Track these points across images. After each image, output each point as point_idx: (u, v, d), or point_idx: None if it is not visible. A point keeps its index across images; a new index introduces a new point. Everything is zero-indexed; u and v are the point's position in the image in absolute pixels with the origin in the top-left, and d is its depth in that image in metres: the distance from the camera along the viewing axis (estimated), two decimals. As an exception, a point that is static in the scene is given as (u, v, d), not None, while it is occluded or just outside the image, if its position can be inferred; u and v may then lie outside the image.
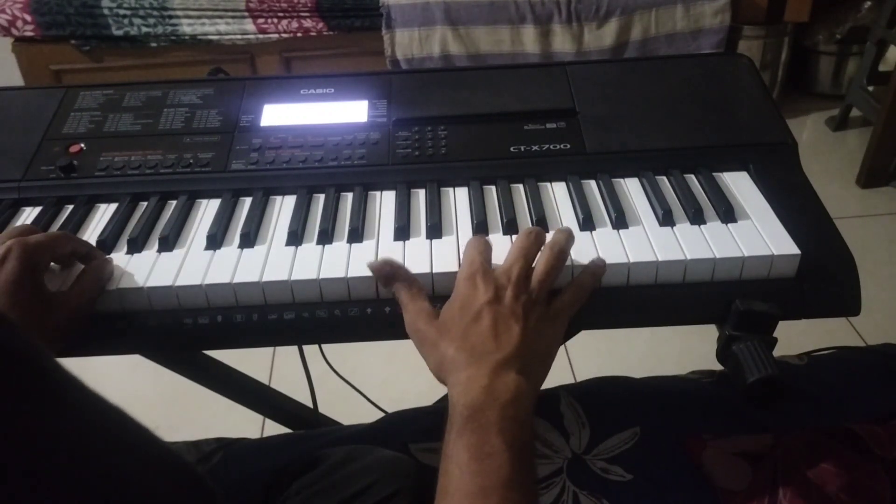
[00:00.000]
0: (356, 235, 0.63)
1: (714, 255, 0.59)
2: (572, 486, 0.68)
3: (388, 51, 2.22)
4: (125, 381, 1.54)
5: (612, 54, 2.24)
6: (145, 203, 0.68)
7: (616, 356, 1.60)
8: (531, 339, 0.53)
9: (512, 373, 0.50)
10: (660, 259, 0.59)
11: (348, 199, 0.68)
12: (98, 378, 0.29)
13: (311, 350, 0.91)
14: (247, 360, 1.08)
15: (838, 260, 0.61)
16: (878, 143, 2.08)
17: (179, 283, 0.59)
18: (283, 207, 0.67)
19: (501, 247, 0.61)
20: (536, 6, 2.18)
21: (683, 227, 0.63)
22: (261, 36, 2.21)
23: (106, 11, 2.15)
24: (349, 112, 0.74)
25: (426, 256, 0.61)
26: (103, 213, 0.68)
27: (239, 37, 2.21)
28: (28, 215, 0.68)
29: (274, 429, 1.04)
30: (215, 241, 0.63)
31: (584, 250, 0.60)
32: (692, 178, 0.69)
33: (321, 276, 0.59)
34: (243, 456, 0.78)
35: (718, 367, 0.60)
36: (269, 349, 1.61)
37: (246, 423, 1.40)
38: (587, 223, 0.63)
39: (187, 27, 2.18)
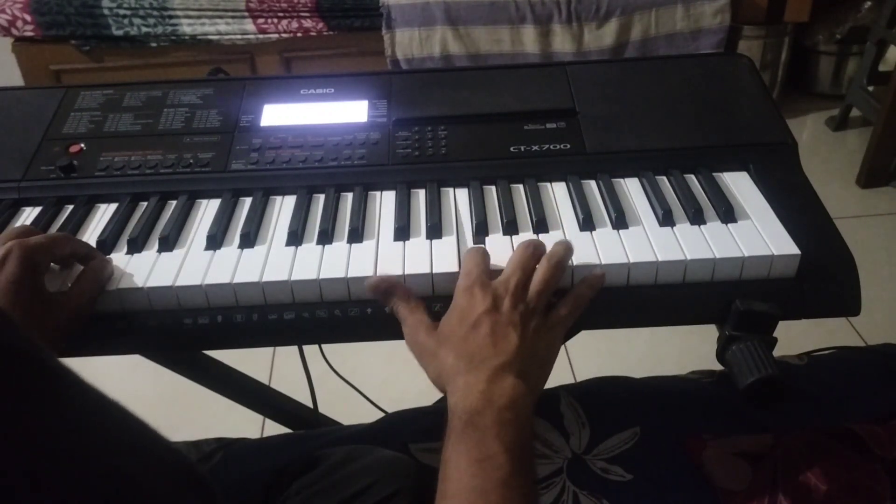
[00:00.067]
0: (356, 235, 0.63)
1: (714, 256, 0.59)
2: (572, 486, 0.68)
3: (389, 51, 2.22)
4: (125, 381, 1.54)
5: (612, 54, 2.24)
6: (145, 203, 0.68)
7: (616, 356, 1.60)
8: (529, 345, 0.53)
9: (510, 377, 0.51)
10: (660, 259, 0.59)
11: (348, 199, 0.68)
12: (98, 378, 0.29)
13: (311, 350, 0.91)
14: (247, 360, 1.08)
15: (838, 260, 0.61)
16: (878, 143, 2.08)
17: (179, 283, 0.59)
18: (283, 207, 0.67)
19: (501, 247, 0.61)
20: (536, 6, 2.18)
21: (683, 228, 0.63)
22: (261, 36, 2.21)
23: (106, 11, 2.15)
24: (349, 112, 0.74)
25: (426, 256, 0.61)
26: (103, 214, 0.68)
27: (239, 37, 2.21)
28: (28, 215, 0.68)
29: (274, 429, 1.04)
30: (215, 241, 0.63)
31: (584, 251, 0.60)
32: (692, 178, 0.69)
33: (321, 277, 0.59)
34: (243, 456, 0.78)
35: (718, 367, 0.60)
36: (269, 349, 1.61)
37: (246, 423, 1.40)
38: (587, 223, 0.63)
39: (187, 27, 2.18)
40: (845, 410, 0.74)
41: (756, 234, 0.61)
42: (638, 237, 0.62)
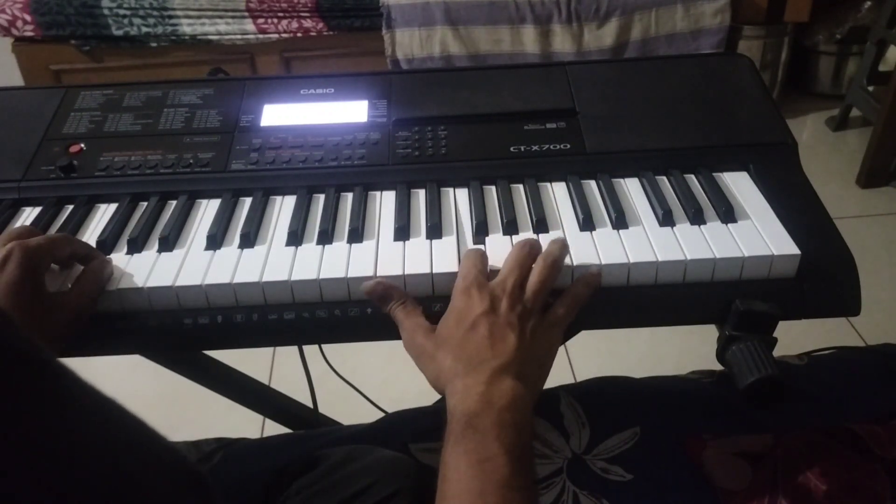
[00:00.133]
0: (356, 235, 0.63)
1: (714, 256, 0.59)
2: (572, 486, 0.68)
3: (389, 50, 2.22)
4: (125, 381, 1.54)
5: (612, 54, 2.24)
6: (145, 203, 0.68)
7: (616, 356, 1.60)
8: (527, 346, 0.53)
9: (508, 379, 0.51)
10: (660, 259, 0.59)
11: (348, 199, 0.68)
12: (98, 378, 0.29)
13: (311, 350, 0.91)
14: (247, 360, 1.08)
15: (838, 260, 0.61)
16: (878, 143, 2.08)
17: (179, 283, 0.59)
18: (283, 207, 0.67)
19: (501, 247, 0.61)
20: (536, 6, 2.18)
21: (683, 228, 0.63)
22: (261, 36, 2.21)
23: (106, 11, 2.15)
24: (349, 112, 0.74)
25: (426, 257, 0.61)
26: (103, 214, 0.68)
27: (239, 37, 2.21)
28: (28, 215, 0.68)
29: (274, 429, 1.04)
30: (215, 241, 0.63)
31: (584, 250, 0.60)
32: (692, 178, 0.69)
33: (321, 277, 0.59)
34: (243, 456, 0.78)
35: (718, 367, 0.60)
36: (269, 349, 1.61)
37: (246, 423, 1.40)
38: (587, 223, 0.63)
39: (187, 27, 2.18)
40: (845, 410, 0.74)
41: (756, 234, 0.61)
42: (638, 237, 0.62)
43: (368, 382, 1.09)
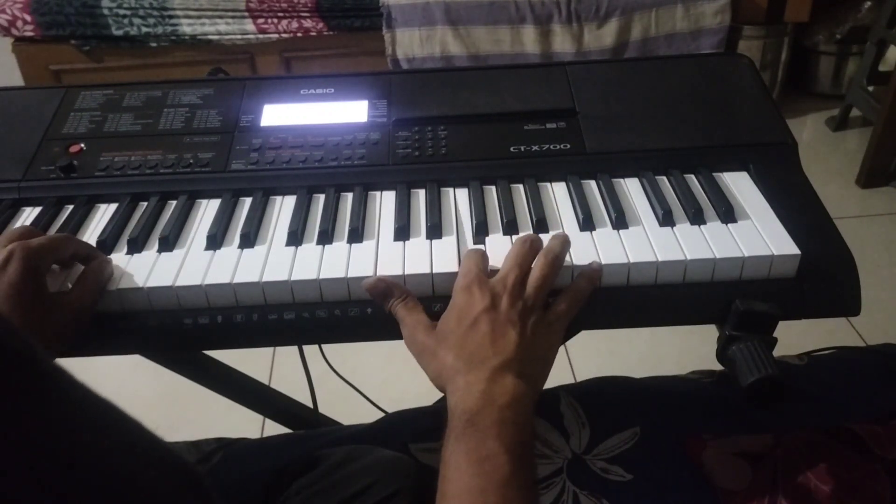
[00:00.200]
0: (356, 235, 0.63)
1: (714, 256, 0.59)
2: (572, 486, 0.68)
3: (389, 49, 2.22)
4: (125, 381, 1.54)
5: (612, 54, 2.24)
6: (145, 203, 0.68)
7: (616, 356, 1.60)
8: (528, 343, 0.53)
9: (510, 376, 0.51)
10: (660, 259, 0.59)
11: (348, 199, 0.68)
12: (98, 378, 0.29)
13: (311, 350, 0.91)
14: (247, 360, 1.08)
15: (838, 260, 0.61)
16: (878, 143, 2.08)
17: (179, 283, 0.59)
18: (283, 207, 0.67)
19: (501, 247, 0.61)
20: (536, 6, 2.18)
21: (683, 228, 0.63)
22: (261, 36, 2.21)
23: (106, 11, 2.15)
24: (349, 112, 0.74)
25: (426, 257, 0.61)
26: (103, 214, 0.68)
27: (239, 37, 2.21)
28: (28, 215, 0.68)
29: (274, 429, 1.04)
30: (215, 241, 0.63)
31: (584, 250, 0.60)
32: (692, 178, 0.69)
33: (321, 277, 0.59)
34: (243, 456, 0.78)
35: (718, 367, 0.60)
36: (269, 349, 1.61)
37: (246, 423, 1.40)
38: (587, 223, 0.63)
39: (187, 27, 2.18)
40: (845, 410, 0.74)
41: (756, 234, 0.61)
42: (638, 237, 0.62)
43: (368, 382, 1.09)
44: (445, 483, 0.47)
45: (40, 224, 0.66)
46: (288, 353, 1.25)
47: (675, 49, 2.24)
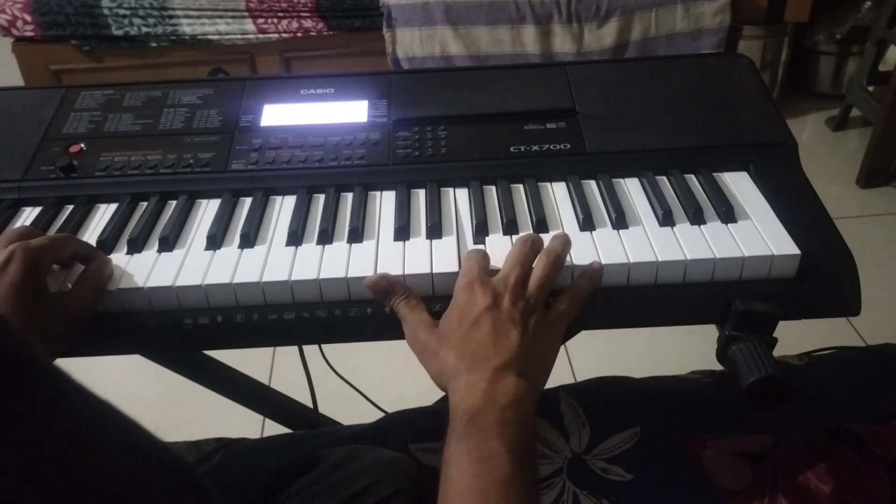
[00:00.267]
0: (356, 235, 0.63)
1: (714, 256, 0.59)
2: (572, 486, 0.68)
3: (390, 49, 2.22)
4: (125, 381, 1.54)
5: (613, 54, 2.24)
6: (145, 203, 0.68)
7: (616, 356, 1.60)
8: (530, 342, 0.53)
9: (511, 376, 0.51)
10: (660, 259, 0.59)
11: (348, 199, 0.68)
12: (98, 378, 0.29)
13: (311, 350, 0.91)
14: (247, 360, 1.08)
15: (838, 260, 0.61)
16: (878, 143, 2.08)
17: (179, 283, 0.59)
18: (282, 207, 0.67)
19: (501, 247, 0.61)
20: (536, 6, 2.18)
21: (683, 228, 0.63)
22: (261, 36, 2.21)
23: (106, 11, 2.15)
24: (349, 112, 0.74)
25: (426, 257, 0.61)
26: (103, 214, 0.68)
27: (239, 37, 2.21)
28: (28, 215, 0.68)
29: (274, 429, 1.04)
30: (215, 241, 0.63)
31: (584, 250, 0.60)
32: (692, 178, 0.69)
33: (321, 277, 0.59)
34: (243, 456, 0.78)
35: (718, 367, 0.60)
36: (269, 349, 1.61)
37: (246, 423, 1.40)
38: (587, 223, 0.63)
39: (187, 27, 2.18)
40: (845, 410, 0.74)
41: (756, 234, 0.61)
42: (638, 237, 0.62)
43: (368, 382, 1.09)
44: (447, 483, 0.47)
45: (40, 224, 0.66)
46: (288, 353, 1.25)
47: (675, 49, 2.24)
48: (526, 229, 0.64)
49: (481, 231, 0.64)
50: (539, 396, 0.53)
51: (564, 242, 0.59)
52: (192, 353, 0.90)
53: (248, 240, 0.63)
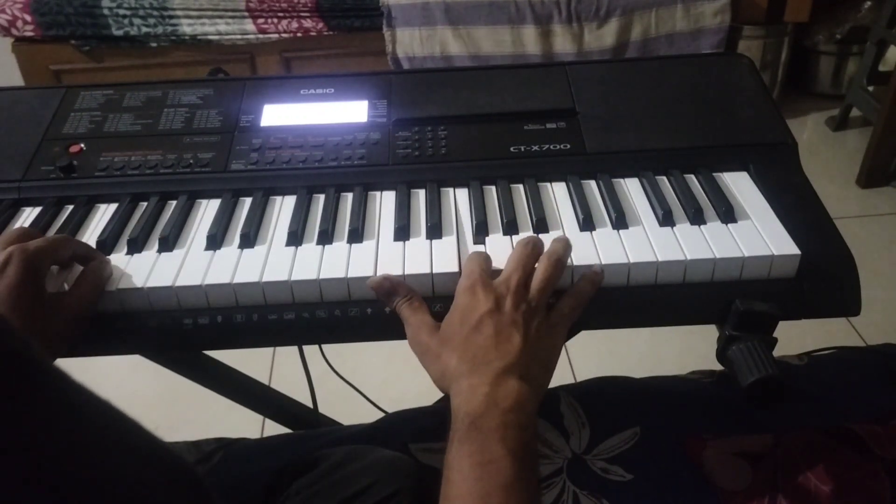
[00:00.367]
0: (356, 236, 0.63)
1: (714, 256, 0.59)
2: (572, 486, 0.68)
3: (390, 48, 2.22)
4: (125, 381, 1.54)
5: (613, 54, 2.24)
6: (145, 203, 0.68)
7: (616, 356, 1.60)
8: (532, 346, 0.53)
9: (513, 379, 0.51)
10: (660, 259, 0.59)
11: (348, 199, 0.68)
12: (98, 378, 0.29)
13: (311, 350, 0.91)
14: (247, 360, 1.08)
15: (838, 260, 0.61)
16: (878, 143, 2.08)
17: (179, 283, 0.59)
18: (282, 208, 0.67)
19: (501, 247, 0.61)
20: (536, 6, 2.18)
21: (683, 228, 0.63)
22: (261, 36, 2.21)
23: (106, 11, 2.15)
24: (349, 112, 0.74)
25: (426, 257, 0.60)
26: (103, 214, 0.68)
27: (239, 37, 2.21)
28: (28, 216, 0.68)
29: (274, 429, 1.04)
30: (215, 241, 0.63)
31: (584, 250, 0.60)
32: (692, 178, 0.69)
33: (321, 277, 0.59)
34: (243, 456, 0.78)
35: (718, 367, 0.60)
36: (269, 349, 1.61)
37: (246, 423, 1.40)
38: (587, 223, 0.63)
39: (187, 27, 2.18)
40: (845, 410, 0.74)
41: (756, 234, 0.61)
42: (638, 237, 0.62)
43: (368, 382, 1.09)
44: (448, 486, 0.47)
45: (40, 224, 0.66)
46: (288, 353, 1.25)
47: (676, 49, 2.24)
48: (526, 229, 0.64)
49: (481, 231, 0.64)
50: (541, 399, 0.53)
51: (566, 245, 0.59)
52: (192, 353, 0.90)
53: (248, 240, 0.63)
